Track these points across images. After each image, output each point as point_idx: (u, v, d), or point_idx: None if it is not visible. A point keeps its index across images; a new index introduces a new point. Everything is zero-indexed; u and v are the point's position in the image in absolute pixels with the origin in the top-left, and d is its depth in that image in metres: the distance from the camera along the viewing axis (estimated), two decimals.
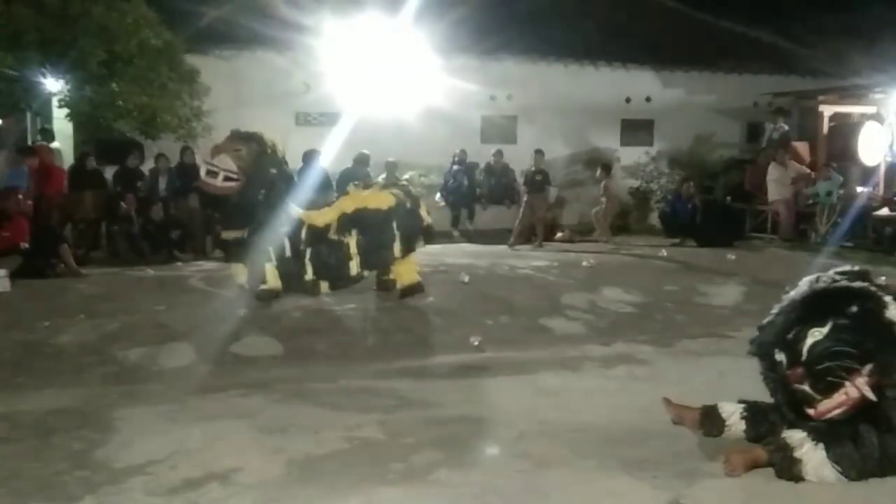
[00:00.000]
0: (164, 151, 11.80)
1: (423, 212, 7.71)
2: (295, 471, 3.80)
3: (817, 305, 3.70)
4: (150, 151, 12.10)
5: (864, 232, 11.81)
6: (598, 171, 13.39)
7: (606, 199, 13.14)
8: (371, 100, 12.39)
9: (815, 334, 3.60)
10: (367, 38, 12.37)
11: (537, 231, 12.19)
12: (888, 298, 3.64)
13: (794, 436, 3.64)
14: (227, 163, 6.96)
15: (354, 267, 7.39)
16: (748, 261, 10.53)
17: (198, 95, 12.06)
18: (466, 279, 8.39)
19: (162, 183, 11.60)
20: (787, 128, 14.07)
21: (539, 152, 12.91)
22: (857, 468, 3.54)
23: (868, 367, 3.55)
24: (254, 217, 7.12)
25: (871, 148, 13.03)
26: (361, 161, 12.46)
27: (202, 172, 7.17)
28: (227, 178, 6.98)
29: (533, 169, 12.72)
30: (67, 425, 4.41)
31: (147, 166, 11.92)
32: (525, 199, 12.59)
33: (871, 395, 3.51)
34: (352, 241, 7.32)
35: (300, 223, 7.26)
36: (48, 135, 11.55)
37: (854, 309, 3.61)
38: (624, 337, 6.69)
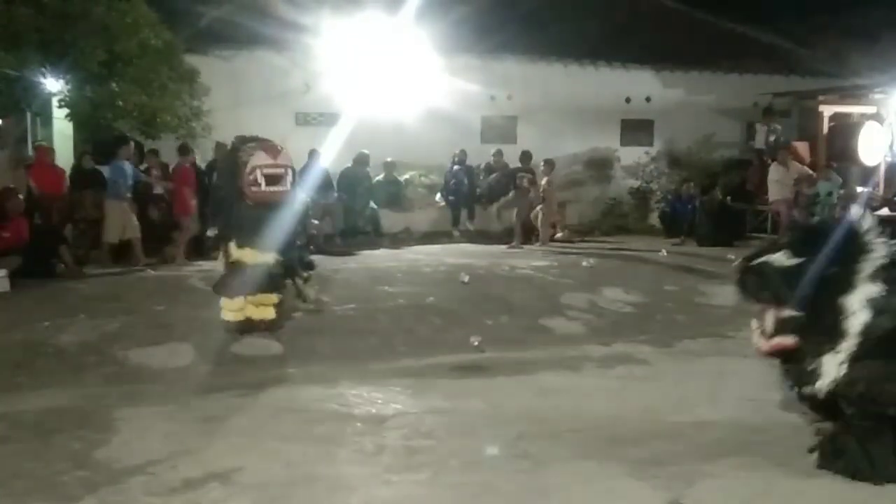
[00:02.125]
0: (165, 151, 11.79)
1: None
2: (295, 471, 3.79)
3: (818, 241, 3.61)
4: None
5: None
6: (542, 166, 12.75)
7: (545, 199, 12.52)
8: (371, 100, 12.39)
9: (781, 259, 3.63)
10: (367, 38, 12.38)
11: (515, 232, 12.13)
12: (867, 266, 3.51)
13: None
14: (287, 158, 6.16)
15: None
16: None
17: (198, 95, 12.05)
18: (466, 279, 8.39)
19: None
20: (779, 128, 14.04)
21: (526, 154, 12.90)
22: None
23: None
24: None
25: (871, 148, 13.03)
26: (361, 161, 12.48)
27: (259, 180, 5.87)
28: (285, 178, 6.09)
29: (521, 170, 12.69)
30: (67, 425, 4.41)
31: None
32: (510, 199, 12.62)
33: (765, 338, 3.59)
34: None
35: None
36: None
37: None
38: (624, 337, 6.69)
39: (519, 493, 3.53)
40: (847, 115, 14.09)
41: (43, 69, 10.33)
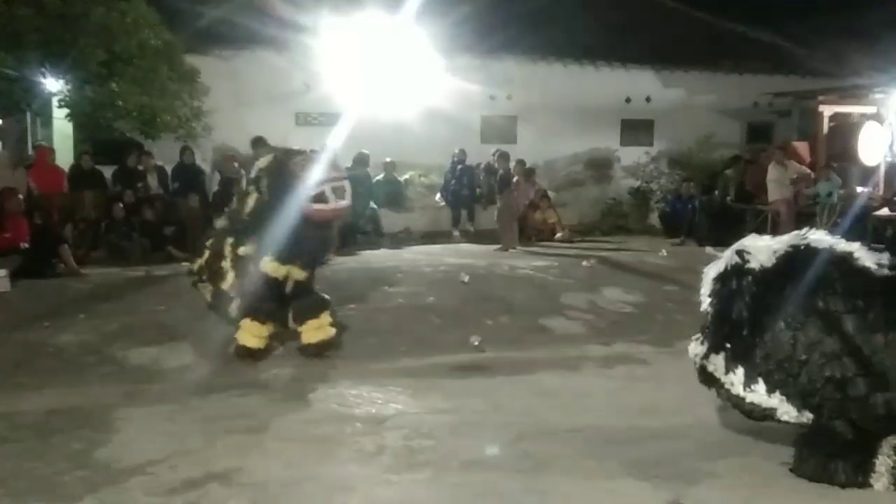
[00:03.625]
0: (165, 151, 11.81)
1: None
2: (295, 471, 3.79)
3: None
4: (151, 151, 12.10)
5: (864, 232, 11.80)
6: (515, 165, 12.27)
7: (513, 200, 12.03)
8: (371, 100, 12.39)
9: None
10: (367, 38, 12.38)
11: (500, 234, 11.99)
12: None
13: None
14: (341, 170, 5.89)
15: None
16: None
17: (198, 95, 12.05)
18: (466, 279, 8.38)
19: (153, 181, 11.58)
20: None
21: (503, 154, 12.71)
22: None
23: None
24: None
25: (871, 148, 13.03)
26: (361, 161, 12.47)
27: (328, 196, 5.52)
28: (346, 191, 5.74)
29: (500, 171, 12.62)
30: (67, 425, 4.41)
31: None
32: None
33: None
34: None
35: None
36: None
37: None
38: (624, 337, 6.68)
39: (519, 493, 3.53)
40: (847, 115, 14.09)
41: (43, 69, 10.35)
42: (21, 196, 9.25)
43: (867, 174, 12.99)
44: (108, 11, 10.47)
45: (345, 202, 5.66)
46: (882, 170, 13.13)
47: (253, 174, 5.89)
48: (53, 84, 10.62)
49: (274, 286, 5.81)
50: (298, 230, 5.57)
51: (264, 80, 12.89)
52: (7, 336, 6.28)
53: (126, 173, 11.44)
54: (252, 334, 5.79)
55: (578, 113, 14.22)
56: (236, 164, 12.08)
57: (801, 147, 13.96)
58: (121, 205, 10.70)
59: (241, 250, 5.81)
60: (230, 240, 5.92)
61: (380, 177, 13.05)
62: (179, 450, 4.03)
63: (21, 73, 10.09)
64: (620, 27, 15.05)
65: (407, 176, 13.67)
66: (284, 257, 5.70)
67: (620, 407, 4.76)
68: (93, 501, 3.48)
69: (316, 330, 5.94)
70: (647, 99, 15.15)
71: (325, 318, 6.02)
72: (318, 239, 5.79)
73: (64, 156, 11.90)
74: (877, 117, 13.42)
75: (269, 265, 5.71)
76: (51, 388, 5.19)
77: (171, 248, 10.65)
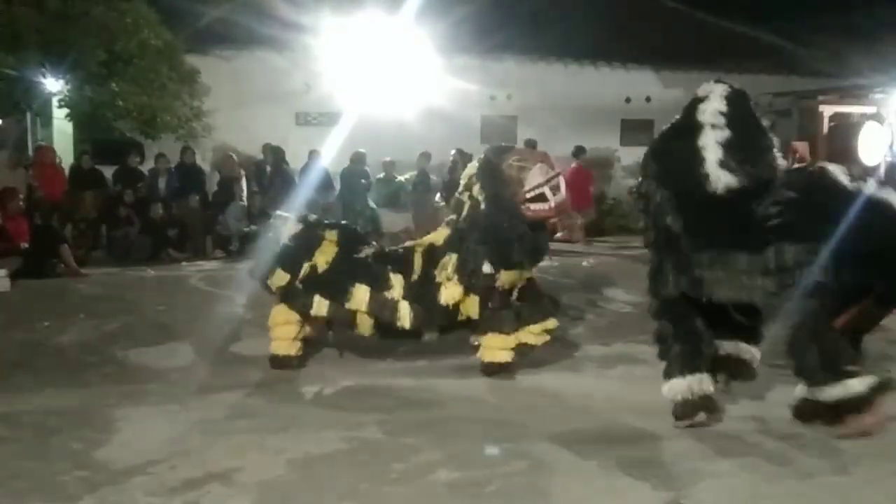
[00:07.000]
0: (165, 151, 11.82)
1: None
2: (295, 471, 3.79)
3: None
4: (151, 151, 12.12)
5: None
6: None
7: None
8: (371, 100, 12.39)
9: None
10: (368, 38, 12.38)
11: None
12: None
13: None
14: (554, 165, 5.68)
15: None
16: None
17: (198, 95, 12.08)
18: None
19: (161, 183, 11.61)
20: None
21: (423, 154, 12.72)
22: None
23: None
24: None
25: (871, 148, 13.03)
26: (358, 160, 12.43)
27: (548, 196, 5.35)
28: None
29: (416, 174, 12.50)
30: (67, 425, 4.41)
31: (146, 166, 11.94)
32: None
33: None
34: None
35: None
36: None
37: None
38: (624, 337, 6.67)
39: (519, 493, 3.53)
40: (847, 115, 14.10)
41: (43, 69, 10.37)
42: (21, 196, 9.26)
43: (867, 174, 12.98)
44: (108, 11, 10.49)
45: (561, 196, 5.47)
46: (882, 170, 13.13)
47: (464, 180, 5.70)
48: (53, 84, 10.63)
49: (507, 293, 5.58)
50: (520, 232, 5.40)
51: (264, 80, 12.90)
52: (7, 336, 6.28)
53: (127, 173, 11.46)
54: (498, 348, 5.52)
55: (578, 113, 14.23)
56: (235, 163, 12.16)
57: (802, 147, 13.95)
58: (124, 204, 10.72)
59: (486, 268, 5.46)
60: (453, 254, 5.55)
61: (379, 176, 13.06)
62: (179, 450, 4.03)
63: (21, 73, 10.11)
64: (620, 27, 15.06)
65: (407, 176, 13.67)
66: (513, 262, 5.46)
67: (620, 407, 4.76)
68: (93, 501, 3.48)
69: (536, 335, 5.63)
70: (647, 99, 15.15)
71: (550, 323, 5.70)
72: (539, 237, 5.58)
73: (64, 156, 11.91)
74: (877, 117, 13.42)
75: (505, 276, 5.48)
76: (51, 388, 5.18)
77: (171, 250, 10.67)
